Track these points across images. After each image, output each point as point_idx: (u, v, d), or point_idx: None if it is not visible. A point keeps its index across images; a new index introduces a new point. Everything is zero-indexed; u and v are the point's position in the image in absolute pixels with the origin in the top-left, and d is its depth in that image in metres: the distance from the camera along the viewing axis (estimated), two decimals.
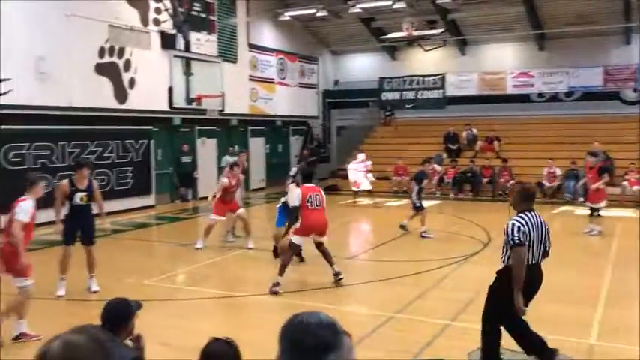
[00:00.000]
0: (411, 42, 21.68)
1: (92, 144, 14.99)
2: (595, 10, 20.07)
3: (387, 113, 24.76)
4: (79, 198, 7.92)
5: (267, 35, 22.17)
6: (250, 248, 11.03)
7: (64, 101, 13.94)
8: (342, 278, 8.37)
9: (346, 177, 21.59)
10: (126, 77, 15.78)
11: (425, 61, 23.63)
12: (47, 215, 13.50)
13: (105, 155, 15.33)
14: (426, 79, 23.71)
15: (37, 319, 6.54)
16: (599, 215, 12.59)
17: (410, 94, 24.01)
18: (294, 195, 8.53)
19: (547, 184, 18.38)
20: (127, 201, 15.65)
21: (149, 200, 16.81)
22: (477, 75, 23.01)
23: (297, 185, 9.14)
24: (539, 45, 22.55)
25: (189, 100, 17.96)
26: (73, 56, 14.11)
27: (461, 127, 21.77)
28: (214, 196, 11.34)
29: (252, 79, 21.12)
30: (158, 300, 7.59)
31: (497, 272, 5.30)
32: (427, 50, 22.33)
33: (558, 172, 18.33)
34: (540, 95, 22.40)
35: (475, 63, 23.38)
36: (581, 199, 17.56)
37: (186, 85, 17.93)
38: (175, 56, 17.33)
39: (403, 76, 24.20)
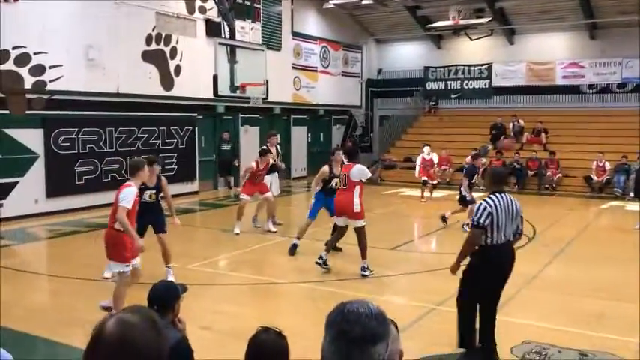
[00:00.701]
0: (458, 31, 21.34)
1: (138, 130, 15.27)
2: None
3: (432, 103, 24.46)
4: (147, 195, 7.83)
5: (311, 23, 22.12)
6: (269, 231, 11.42)
7: (112, 88, 14.24)
8: (366, 275, 8.28)
9: (388, 167, 21.55)
10: (172, 65, 16.01)
11: (471, 50, 23.22)
12: (91, 199, 13.88)
13: (151, 141, 15.61)
14: (472, 68, 23.33)
15: (88, 301, 6.73)
16: None
17: (455, 84, 23.68)
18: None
19: (595, 178, 17.89)
20: (172, 187, 15.63)
21: (193, 187, 17.08)
22: (525, 65, 22.51)
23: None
24: (590, 34, 21.86)
25: (234, 88, 18.09)
26: (121, 43, 14.38)
27: (507, 118, 21.34)
28: (244, 179, 11.77)
29: (296, 67, 21.14)
30: (200, 284, 7.70)
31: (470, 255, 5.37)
32: (474, 39, 21.92)
33: (608, 166, 17.80)
34: (591, 86, 21.75)
35: (523, 53, 22.85)
36: (632, 195, 17.05)
37: (231, 73, 18.05)
38: (220, 44, 17.45)
39: (448, 66, 23.87)
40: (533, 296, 7.62)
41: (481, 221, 5.11)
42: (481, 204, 5.23)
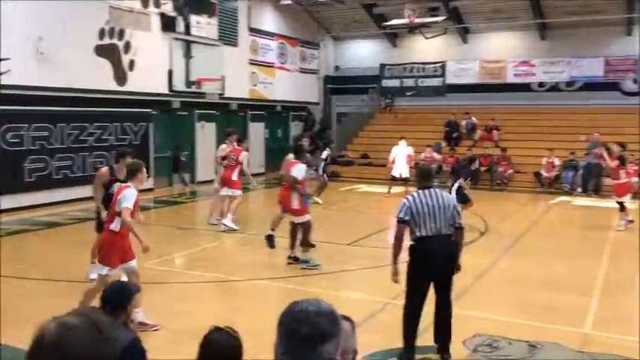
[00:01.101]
0: (413, 29, 21.56)
1: (91, 126, 14.95)
2: (597, 0, 19.97)
3: (387, 101, 24.69)
4: (116, 188, 7.76)
5: (269, 19, 22.04)
6: (231, 229, 11.22)
7: (63, 82, 13.86)
8: (304, 267, 8.53)
9: (346, 164, 21.65)
10: (125, 59, 15.70)
11: (426, 48, 23.54)
12: (42, 197, 13.54)
13: (103, 137, 15.29)
14: (427, 66, 23.63)
15: (37, 301, 6.56)
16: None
17: (410, 82, 23.95)
18: None
19: (545, 174, 18.40)
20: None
21: (147, 183, 16.75)
22: (478, 63, 22.94)
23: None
24: (541, 34, 22.45)
25: (189, 84, 17.89)
26: (72, 37, 14.02)
27: (461, 115, 21.74)
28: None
29: (253, 63, 21.03)
30: (155, 283, 7.61)
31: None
32: (428, 38, 22.21)
33: (557, 162, 18.35)
34: (541, 85, 22.34)
35: (476, 51, 23.28)
36: (579, 190, 17.66)
37: (186, 68, 17.85)
38: (175, 39, 17.23)
39: (404, 64, 24.12)
40: (485, 289, 7.82)
41: (400, 216, 5.37)
42: (402, 201, 5.49)
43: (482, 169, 19.36)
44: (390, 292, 7.31)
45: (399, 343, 5.46)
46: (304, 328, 1.48)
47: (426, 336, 5.59)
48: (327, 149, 15.98)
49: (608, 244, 10.68)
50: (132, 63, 15.85)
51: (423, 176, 5.70)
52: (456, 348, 5.54)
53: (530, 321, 6.53)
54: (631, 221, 11.79)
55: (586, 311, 6.87)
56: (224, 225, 11.25)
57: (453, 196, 11.79)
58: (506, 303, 7.30)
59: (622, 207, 12.00)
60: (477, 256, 9.14)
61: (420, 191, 5.44)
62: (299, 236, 8.85)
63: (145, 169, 6.67)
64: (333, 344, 1.50)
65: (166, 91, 17.11)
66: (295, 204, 8.65)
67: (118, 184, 7.63)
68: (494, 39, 23.31)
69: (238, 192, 11.40)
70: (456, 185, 11.96)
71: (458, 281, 5.65)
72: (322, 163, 14.92)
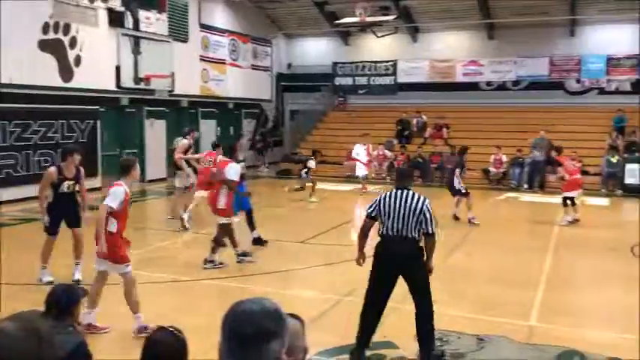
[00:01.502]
0: (364, 28, 21.71)
1: (35, 123, 14.47)
2: (542, 1, 20.56)
3: (340, 99, 24.82)
4: (65, 186, 7.46)
5: (220, 15, 21.80)
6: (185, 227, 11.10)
7: (6, 78, 13.38)
8: (241, 261, 8.61)
9: (299, 161, 21.62)
10: (71, 55, 15.26)
11: (377, 47, 23.74)
12: None
13: (49, 135, 14.83)
14: (378, 65, 23.85)
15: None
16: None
17: (363, 80, 24.12)
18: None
19: (493, 171, 18.83)
20: None
21: (95, 182, 16.33)
22: (428, 62, 23.27)
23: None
24: (488, 34, 22.95)
25: (138, 80, 17.53)
26: (15, 31, 13.52)
27: (412, 113, 22.03)
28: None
29: (204, 59, 20.76)
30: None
31: None
32: (379, 36, 22.41)
33: (504, 159, 18.80)
34: (489, 84, 22.85)
35: (426, 50, 23.61)
36: (526, 186, 18.17)
37: (135, 64, 17.48)
38: (123, 34, 16.85)
39: (356, 62, 24.27)
40: (436, 284, 7.90)
41: (368, 211, 5.54)
42: (375, 198, 5.62)
43: (433, 166, 19.69)
44: (342, 290, 7.37)
45: (351, 340, 5.49)
46: (248, 327, 1.47)
47: (380, 331, 5.63)
48: (312, 159, 16.18)
49: (553, 239, 11.02)
50: (78, 59, 15.42)
51: (400, 177, 5.79)
52: (406, 342, 5.61)
53: (478, 314, 6.68)
54: (577, 220, 12.21)
55: (531, 304, 7.07)
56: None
57: (459, 188, 12.21)
58: (455, 297, 7.43)
59: (565, 203, 12.41)
60: None
61: (395, 191, 5.48)
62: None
63: (138, 166, 6.43)
64: (278, 343, 1.49)
65: (114, 88, 16.73)
66: (222, 204, 8.53)
67: (66, 182, 7.46)
68: (443, 38, 23.69)
69: None
70: (458, 180, 12.25)
71: None
72: (304, 170, 15.55)
